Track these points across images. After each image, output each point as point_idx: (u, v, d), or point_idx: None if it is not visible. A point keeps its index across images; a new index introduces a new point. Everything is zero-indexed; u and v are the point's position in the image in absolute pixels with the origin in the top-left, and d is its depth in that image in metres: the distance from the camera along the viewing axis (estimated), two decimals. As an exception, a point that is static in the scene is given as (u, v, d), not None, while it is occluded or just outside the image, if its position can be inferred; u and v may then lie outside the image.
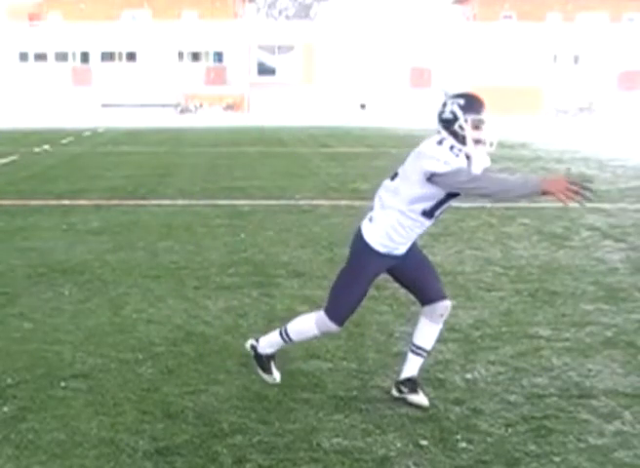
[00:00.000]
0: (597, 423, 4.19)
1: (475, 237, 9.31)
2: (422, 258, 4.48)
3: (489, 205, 11.76)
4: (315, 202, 12.03)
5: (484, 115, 4.11)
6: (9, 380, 4.73)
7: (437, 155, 4.06)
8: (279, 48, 56.95)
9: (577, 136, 29.79)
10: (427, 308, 4.43)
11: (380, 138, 27.49)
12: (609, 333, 5.68)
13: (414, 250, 4.41)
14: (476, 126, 4.09)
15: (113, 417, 4.22)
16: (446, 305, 4.42)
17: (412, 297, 4.66)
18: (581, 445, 3.95)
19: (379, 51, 54.53)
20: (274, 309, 6.25)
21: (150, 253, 8.38)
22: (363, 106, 51.16)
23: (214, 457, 3.80)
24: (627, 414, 4.30)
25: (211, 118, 45.48)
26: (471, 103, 4.12)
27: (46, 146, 23.19)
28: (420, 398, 4.40)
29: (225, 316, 6.07)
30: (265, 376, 4.67)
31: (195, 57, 56.69)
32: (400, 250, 4.30)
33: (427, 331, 4.47)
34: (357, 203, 11.46)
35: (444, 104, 4.19)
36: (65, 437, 3.99)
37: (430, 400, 4.44)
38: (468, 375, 4.86)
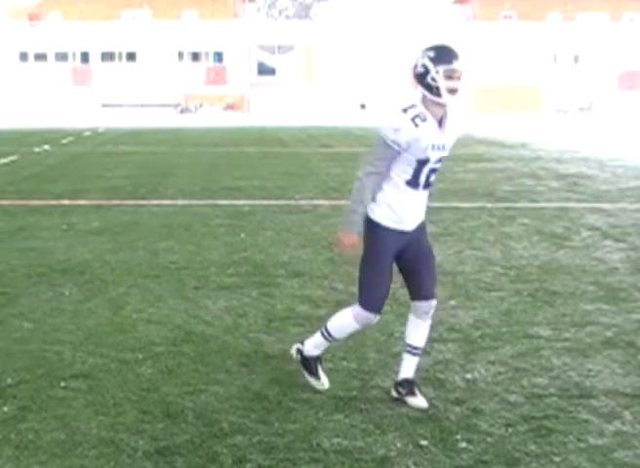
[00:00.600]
0: (597, 423, 4.19)
1: (475, 237, 9.31)
2: (427, 253, 4.48)
3: (489, 205, 11.77)
4: (315, 202, 12.03)
5: (456, 64, 4.13)
6: (9, 380, 4.72)
7: (394, 120, 4.15)
8: (279, 48, 56.97)
9: (577, 136, 29.80)
10: (414, 304, 4.47)
11: (380, 138, 27.44)
12: (609, 333, 5.68)
13: (423, 241, 4.44)
14: (449, 76, 4.11)
15: (113, 417, 4.22)
16: (431, 304, 4.44)
17: (412, 297, 4.66)
18: (581, 445, 3.95)
19: (378, 51, 54.54)
20: (274, 309, 6.25)
21: (150, 253, 8.38)
22: (363, 106, 51.16)
23: (214, 457, 3.80)
24: (627, 414, 4.30)
25: (211, 118, 45.48)
26: (441, 54, 4.14)
27: (46, 146, 23.20)
28: (417, 400, 4.39)
29: (225, 316, 6.06)
30: (313, 381, 4.63)
31: (195, 57, 56.71)
32: (407, 224, 4.32)
33: (417, 329, 4.49)
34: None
35: (417, 59, 4.24)
36: (65, 437, 3.99)
37: (430, 400, 4.44)
38: (468, 375, 4.85)
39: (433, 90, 4.11)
